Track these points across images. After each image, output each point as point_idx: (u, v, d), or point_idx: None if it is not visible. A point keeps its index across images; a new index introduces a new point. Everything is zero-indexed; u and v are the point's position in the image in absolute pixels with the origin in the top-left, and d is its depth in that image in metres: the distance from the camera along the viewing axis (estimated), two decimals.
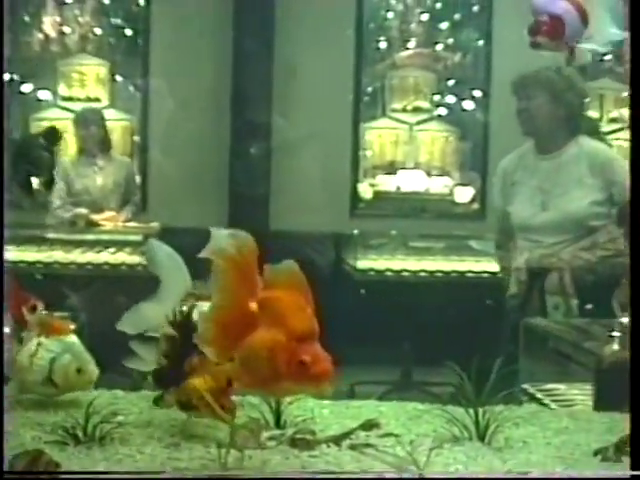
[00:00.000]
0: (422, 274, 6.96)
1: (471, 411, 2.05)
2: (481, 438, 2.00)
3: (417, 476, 1.91)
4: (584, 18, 2.97)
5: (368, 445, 1.98)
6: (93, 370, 2.40)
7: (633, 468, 1.80)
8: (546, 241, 4.64)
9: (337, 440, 2.00)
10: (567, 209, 4.63)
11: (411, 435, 2.10)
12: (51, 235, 6.88)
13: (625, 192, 4.57)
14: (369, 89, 8.63)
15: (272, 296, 1.83)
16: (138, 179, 7.90)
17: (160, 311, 2.18)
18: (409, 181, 8.33)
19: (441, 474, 1.89)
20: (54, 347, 2.37)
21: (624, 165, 4.70)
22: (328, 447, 1.97)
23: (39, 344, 2.36)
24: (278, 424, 2.11)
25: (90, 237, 6.85)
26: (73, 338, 2.40)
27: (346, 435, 2.03)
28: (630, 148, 2.26)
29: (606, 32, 2.93)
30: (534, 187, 4.71)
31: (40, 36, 8.27)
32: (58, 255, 6.82)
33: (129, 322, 2.23)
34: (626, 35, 2.82)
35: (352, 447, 1.97)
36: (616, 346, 3.53)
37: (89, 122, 7.12)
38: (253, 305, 1.83)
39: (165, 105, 7.87)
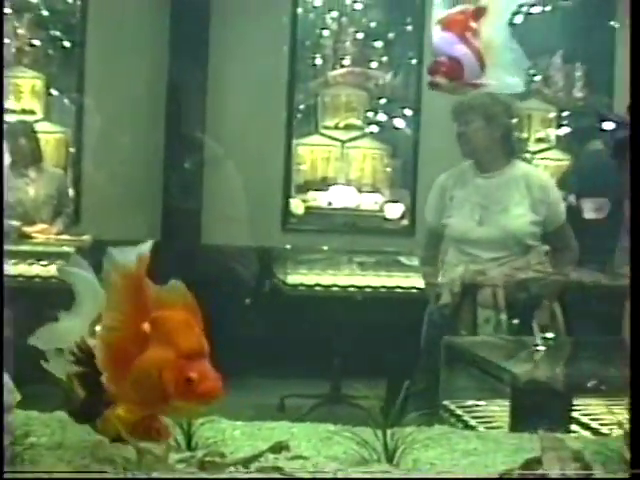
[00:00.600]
0: (351, 289, 7.04)
1: (379, 433, 2.05)
2: (389, 460, 1.99)
3: (418, 476, 1.95)
4: (482, 63, 3.08)
5: (276, 468, 1.97)
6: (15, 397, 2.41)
7: (633, 468, 1.85)
8: (482, 256, 4.75)
9: (246, 462, 2.00)
10: (505, 226, 4.74)
11: (320, 457, 2.15)
12: None
13: (558, 215, 4.77)
14: (302, 106, 8.68)
15: (162, 315, 1.83)
16: (71, 191, 7.86)
17: (73, 329, 2.11)
18: (340, 197, 8.41)
19: (439, 474, 1.93)
20: None
21: (556, 189, 4.90)
22: (237, 470, 1.97)
23: None
24: (189, 446, 2.09)
25: (22, 249, 6.80)
26: None
27: (255, 457, 2.04)
28: (630, 148, 2.34)
29: (501, 81, 3.04)
30: (473, 203, 4.80)
31: None
32: None
33: (41, 338, 2.15)
34: (520, 84, 2.94)
35: (260, 470, 1.97)
36: (533, 366, 3.63)
37: (19, 134, 7.10)
38: (145, 325, 1.83)
39: (99, 118, 7.87)
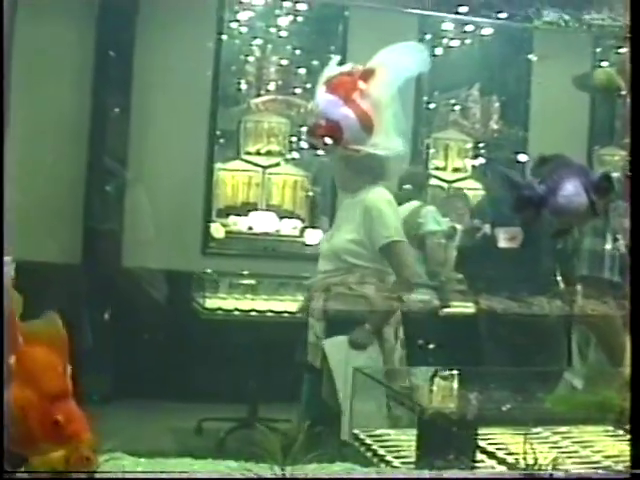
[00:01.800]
0: (269, 314, 7.09)
1: (277, 469, 2.09)
2: None
3: (417, 476, 1.99)
4: (367, 126, 3.15)
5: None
6: None
7: (633, 468, 1.91)
8: (319, 268, 5.24)
9: None
10: (332, 242, 5.19)
11: None
12: None
13: (377, 236, 4.99)
14: (225, 131, 8.76)
15: (27, 353, 1.82)
16: None
17: None
18: (261, 222, 8.49)
19: (437, 474, 1.97)
20: None
21: (385, 215, 5.08)
22: None
23: None
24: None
25: None
26: None
27: None
28: (630, 148, 2.42)
29: (390, 142, 3.14)
30: (335, 220, 5.44)
31: None
32: None
33: None
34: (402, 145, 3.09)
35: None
36: (438, 398, 3.72)
37: None
38: (11, 359, 1.80)
39: (21, 137, 7.83)
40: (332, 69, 3.18)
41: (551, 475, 2.05)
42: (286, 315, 7.09)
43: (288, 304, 7.20)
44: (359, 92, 3.10)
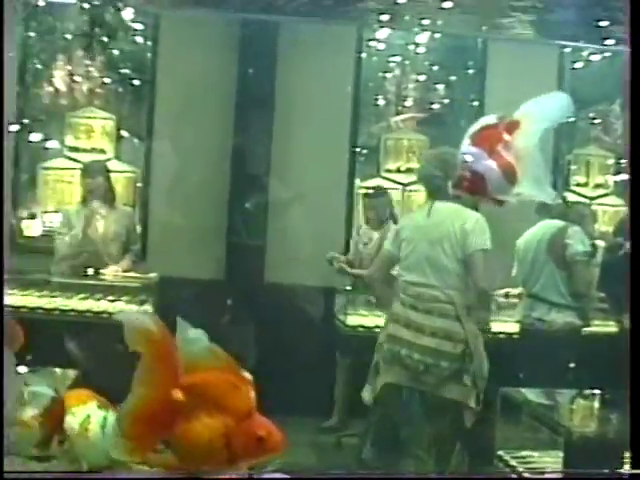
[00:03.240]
0: None
1: None
2: None
3: (420, 476, 2.04)
4: (511, 176, 3.16)
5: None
6: None
7: (633, 468, 1.94)
8: None
9: None
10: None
11: None
12: (55, 280, 6.94)
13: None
14: (364, 148, 8.86)
15: (199, 381, 1.84)
16: (139, 229, 8.01)
17: None
18: None
19: (439, 474, 2.03)
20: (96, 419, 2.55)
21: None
22: None
23: (104, 417, 2.54)
24: None
25: (90, 283, 6.90)
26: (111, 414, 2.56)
27: None
28: (630, 147, 2.44)
29: (534, 193, 3.15)
30: None
31: (50, 89, 8.47)
32: (59, 302, 7.00)
33: None
34: (552, 194, 3.08)
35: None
36: (582, 419, 3.71)
37: (95, 173, 7.23)
38: (177, 393, 1.83)
39: (167, 157, 8.06)
40: (478, 123, 3.22)
41: (551, 475, 2.05)
42: None
43: None
44: (503, 143, 3.14)
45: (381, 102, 8.93)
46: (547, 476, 2.02)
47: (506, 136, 3.17)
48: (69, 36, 8.58)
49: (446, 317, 4.86)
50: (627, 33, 2.60)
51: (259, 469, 2.06)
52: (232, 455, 1.83)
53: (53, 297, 6.97)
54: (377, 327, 7.05)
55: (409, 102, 8.93)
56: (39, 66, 8.52)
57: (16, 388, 2.47)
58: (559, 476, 2.01)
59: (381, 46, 8.91)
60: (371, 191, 7.93)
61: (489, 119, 3.29)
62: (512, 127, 3.16)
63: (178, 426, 1.83)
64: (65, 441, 2.53)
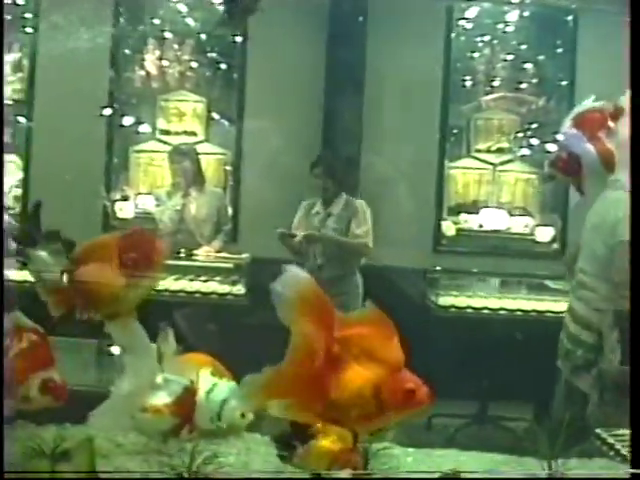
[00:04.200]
0: (501, 312, 7.06)
1: (545, 464, 2.13)
2: None
3: (421, 476, 2.04)
4: (609, 163, 3.08)
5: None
6: (250, 416, 2.61)
7: (633, 468, 1.92)
8: None
9: None
10: None
11: None
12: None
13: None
14: (454, 128, 8.78)
15: (353, 334, 1.93)
16: (230, 210, 8.08)
17: None
18: (491, 220, 8.49)
19: (443, 474, 2.02)
20: (224, 389, 2.59)
21: None
22: None
23: (214, 384, 2.59)
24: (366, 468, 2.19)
25: (183, 264, 6.97)
26: (234, 384, 2.61)
27: None
28: (630, 146, 2.39)
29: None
30: None
31: (142, 73, 8.56)
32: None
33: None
34: None
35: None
36: None
37: (183, 156, 7.30)
38: (335, 347, 1.92)
39: (258, 139, 8.08)
40: (583, 105, 3.17)
41: (550, 475, 2.02)
42: (519, 313, 7.05)
43: (520, 302, 7.16)
44: (606, 130, 3.07)
45: (470, 82, 8.83)
46: (548, 477, 2.00)
47: (610, 123, 3.11)
48: (157, 21, 8.64)
49: (588, 304, 4.76)
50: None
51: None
52: (380, 406, 1.87)
53: None
54: (469, 307, 7.05)
55: (497, 82, 8.83)
56: (130, 51, 8.59)
57: (151, 374, 2.52)
58: (559, 476, 1.99)
59: (470, 25, 8.80)
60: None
61: (595, 103, 3.23)
62: (617, 114, 3.09)
63: (331, 379, 1.89)
64: (194, 431, 2.58)
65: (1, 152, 2.85)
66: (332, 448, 2.10)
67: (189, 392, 2.64)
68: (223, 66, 8.70)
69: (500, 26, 8.84)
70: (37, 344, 2.66)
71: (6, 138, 7.58)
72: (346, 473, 2.03)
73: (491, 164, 8.70)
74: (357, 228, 6.83)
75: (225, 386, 2.62)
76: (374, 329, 1.95)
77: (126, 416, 2.57)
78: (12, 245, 2.83)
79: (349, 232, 6.82)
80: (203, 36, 8.66)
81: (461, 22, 8.74)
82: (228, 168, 8.54)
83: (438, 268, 7.54)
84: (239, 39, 8.41)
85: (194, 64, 8.63)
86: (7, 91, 8.08)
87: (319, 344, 1.91)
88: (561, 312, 6.80)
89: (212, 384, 2.62)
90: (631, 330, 2.18)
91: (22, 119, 8.34)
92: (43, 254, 2.80)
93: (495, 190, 8.55)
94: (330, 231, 6.89)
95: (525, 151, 8.73)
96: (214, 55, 8.69)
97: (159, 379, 2.63)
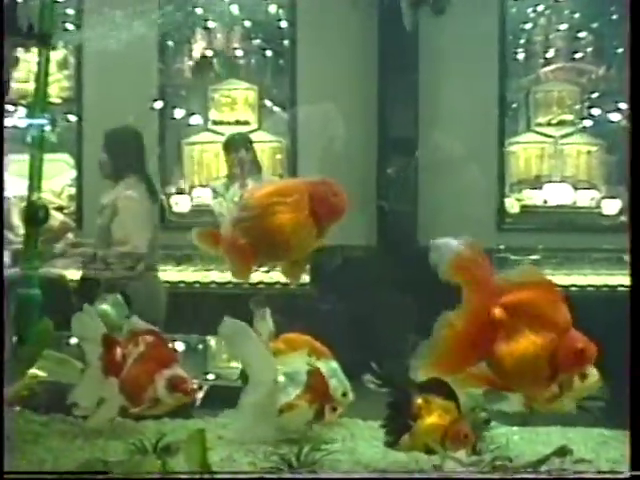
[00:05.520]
0: (573, 289, 6.91)
1: None
2: None
3: (420, 476, 1.96)
4: None
5: (563, 470, 2.01)
6: (350, 394, 2.56)
7: (633, 468, 1.82)
8: None
9: (534, 466, 2.04)
10: None
11: (600, 461, 2.13)
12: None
13: None
14: (513, 103, 8.60)
15: (521, 298, 1.93)
16: None
17: None
18: (556, 195, 8.28)
19: (440, 474, 1.93)
20: (324, 370, 2.54)
21: None
22: (525, 471, 2.01)
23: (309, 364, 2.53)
24: (474, 450, 2.15)
25: None
26: (335, 363, 2.57)
27: (542, 461, 2.07)
28: (630, 146, 2.27)
29: None
30: None
31: (190, 63, 8.47)
32: (214, 275, 7.02)
33: None
34: None
35: (549, 472, 2.01)
36: None
37: (238, 146, 7.23)
38: (497, 311, 1.93)
39: (313, 125, 7.98)
40: None
41: (550, 475, 1.92)
42: (590, 289, 6.93)
43: (591, 278, 7.03)
44: None
45: (527, 54, 8.64)
46: (547, 476, 1.92)
47: None
48: (201, 10, 8.54)
49: None
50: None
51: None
52: (554, 370, 1.88)
53: (207, 271, 7.00)
54: None
55: (553, 53, 8.62)
56: (177, 42, 8.49)
57: (271, 374, 2.52)
58: (560, 476, 1.90)
59: None
60: None
61: None
62: None
63: (500, 345, 1.90)
64: (337, 408, 2.55)
65: (1, 152, 2.76)
66: (441, 422, 2.10)
67: (315, 375, 2.61)
68: (274, 54, 8.57)
69: None
70: (155, 344, 2.71)
71: (53, 137, 7.53)
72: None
73: (552, 137, 8.47)
74: None
75: (323, 366, 2.60)
76: (539, 292, 1.96)
77: (263, 427, 2.46)
78: None
79: None
80: (247, 23, 8.54)
81: None
82: (279, 157, 8.42)
83: (502, 246, 7.40)
84: (288, 25, 8.32)
85: (245, 54, 8.51)
86: (54, 90, 8.01)
87: (480, 313, 1.97)
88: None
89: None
90: (631, 330, 2.10)
91: (72, 117, 8.29)
92: None
93: (558, 164, 8.35)
94: None
95: (587, 122, 8.50)
96: (264, 44, 8.56)
97: (280, 378, 2.55)
